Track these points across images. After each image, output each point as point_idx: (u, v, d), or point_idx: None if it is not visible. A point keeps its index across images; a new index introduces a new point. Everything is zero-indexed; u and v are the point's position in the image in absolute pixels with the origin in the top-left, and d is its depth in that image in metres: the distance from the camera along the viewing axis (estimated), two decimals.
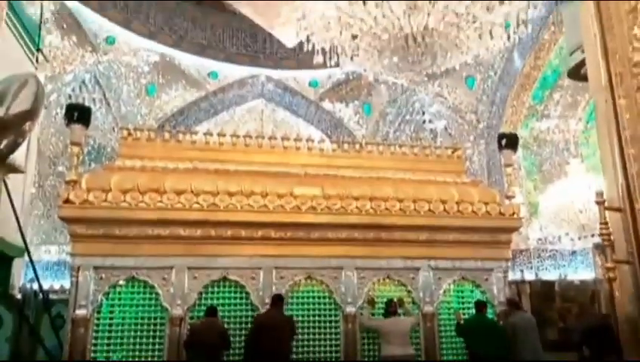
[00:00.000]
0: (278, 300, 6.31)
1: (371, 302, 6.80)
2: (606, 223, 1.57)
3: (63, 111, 7.34)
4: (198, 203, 6.53)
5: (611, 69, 2.82)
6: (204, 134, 7.71)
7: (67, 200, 6.23)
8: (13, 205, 7.59)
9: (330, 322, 6.77)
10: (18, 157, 7.44)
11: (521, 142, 9.12)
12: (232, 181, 6.82)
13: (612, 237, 1.97)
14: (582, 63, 5.46)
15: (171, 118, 15.39)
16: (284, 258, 6.74)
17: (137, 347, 6.19)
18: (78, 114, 6.63)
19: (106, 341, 6.15)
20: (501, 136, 7.96)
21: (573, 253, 12.83)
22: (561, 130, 13.59)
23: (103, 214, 6.25)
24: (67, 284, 7.41)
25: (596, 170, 11.07)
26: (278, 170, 7.28)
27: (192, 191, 6.57)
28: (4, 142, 4.79)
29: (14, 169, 7.54)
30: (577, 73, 6.04)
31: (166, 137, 7.49)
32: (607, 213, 1.69)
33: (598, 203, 1.59)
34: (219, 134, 7.64)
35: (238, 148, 7.57)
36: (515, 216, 7.42)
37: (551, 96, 13.43)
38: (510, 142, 7.77)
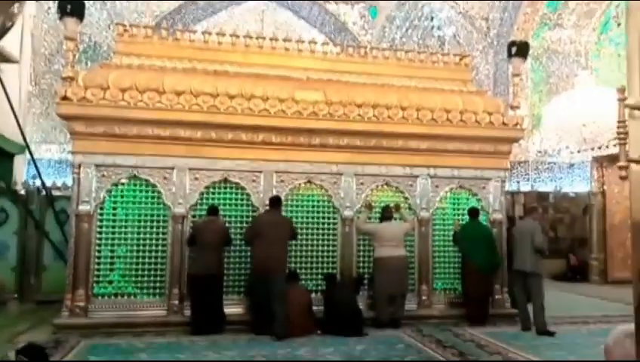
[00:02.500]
0: (276, 202, 6.35)
1: (369, 207, 6.94)
2: (624, 121, 1.51)
3: (56, 5, 6.99)
4: (197, 104, 6.43)
5: None
6: (203, 33, 7.42)
7: (65, 97, 6.12)
8: (9, 100, 7.49)
9: (329, 224, 6.94)
10: (9, 47, 7.22)
11: (531, 52, 8.82)
12: (232, 83, 6.66)
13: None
14: None
15: (168, 17, 14.71)
16: (284, 162, 6.77)
17: (141, 242, 6.39)
18: (71, 7, 6.33)
19: (110, 235, 6.33)
20: (511, 44, 7.69)
21: (571, 166, 12.90)
22: (573, 41, 13.10)
23: (101, 112, 6.17)
24: (69, 182, 7.50)
25: (606, 83, 10.82)
26: (280, 73, 7.08)
27: (191, 92, 6.44)
28: None
29: (6, 58, 7.35)
30: None
31: (163, 35, 7.21)
32: (626, 111, 1.62)
33: (619, 100, 1.52)
34: (218, 33, 7.34)
35: (237, 48, 7.31)
36: (519, 126, 7.36)
37: (566, 3, 12.79)
38: (520, 50, 7.52)
